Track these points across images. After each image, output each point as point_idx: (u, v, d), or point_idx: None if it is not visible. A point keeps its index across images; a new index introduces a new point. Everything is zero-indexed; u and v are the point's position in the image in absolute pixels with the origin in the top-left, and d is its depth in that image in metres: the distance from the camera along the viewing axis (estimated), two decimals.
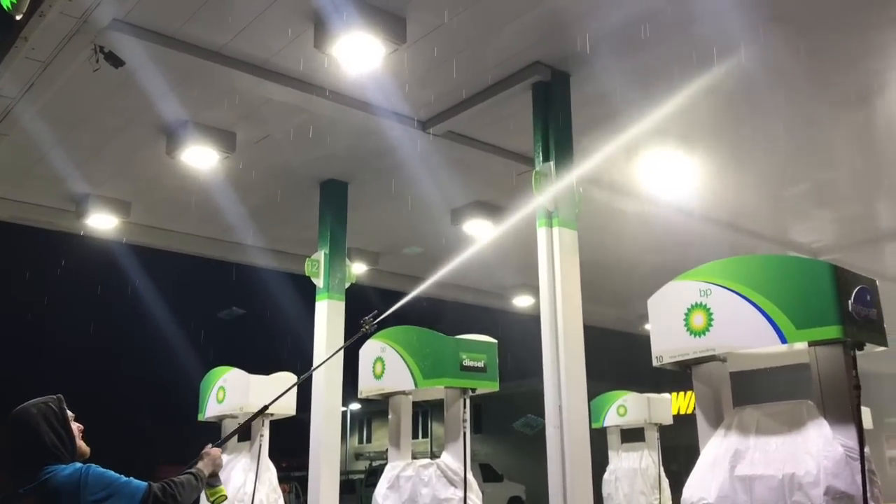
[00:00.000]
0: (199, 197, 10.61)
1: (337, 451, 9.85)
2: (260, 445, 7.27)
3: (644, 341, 4.46)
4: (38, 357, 35.92)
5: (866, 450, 3.58)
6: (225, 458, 3.66)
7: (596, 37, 7.09)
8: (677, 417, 11.33)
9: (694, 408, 4.27)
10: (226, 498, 3.66)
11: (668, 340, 4.18)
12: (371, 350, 6.23)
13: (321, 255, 10.11)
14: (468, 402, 5.88)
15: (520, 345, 10.40)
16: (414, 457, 6.34)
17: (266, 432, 7.37)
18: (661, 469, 10.69)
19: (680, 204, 11.01)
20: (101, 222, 11.03)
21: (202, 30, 7.07)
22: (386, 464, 6.33)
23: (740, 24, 6.67)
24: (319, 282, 10.05)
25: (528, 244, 7.42)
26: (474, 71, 7.76)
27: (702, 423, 4.18)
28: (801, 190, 10.97)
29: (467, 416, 5.81)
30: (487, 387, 5.95)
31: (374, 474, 28.24)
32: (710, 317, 4.00)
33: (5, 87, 7.42)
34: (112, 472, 3.11)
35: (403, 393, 6.21)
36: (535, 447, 10.98)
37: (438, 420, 35.94)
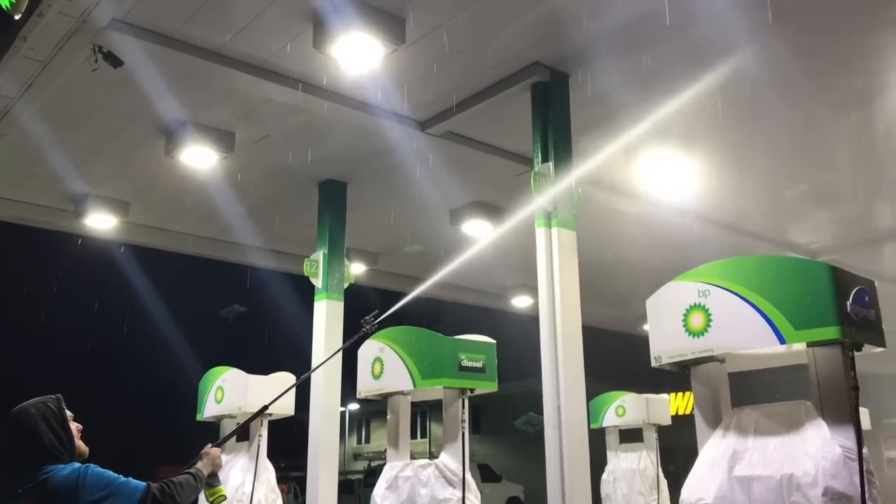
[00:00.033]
0: (198, 197, 10.61)
1: (335, 451, 9.84)
2: (258, 445, 7.27)
3: (643, 342, 4.46)
4: (36, 357, 35.94)
5: (864, 450, 3.58)
6: (223, 458, 3.65)
7: (595, 37, 7.09)
8: (676, 418, 11.33)
9: (692, 408, 4.27)
10: (225, 498, 3.66)
11: (666, 341, 4.18)
12: (370, 350, 6.22)
13: (320, 256, 10.11)
14: (467, 402, 5.87)
15: (519, 345, 10.40)
16: (412, 457, 6.33)
17: (264, 432, 7.36)
18: (660, 469, 10.69)
19: (679, 204, 11.02)
20: (100, 222, 11.03)
21: (201, 30, 7.07)
22: (384, 464, 6.33)
23: (740, 24, 6.67)
24: (318, 282, 10.05)
25: (527, 245, 7.43)
26: (473, 71, 7.76)
27: (700, 424, 4.18)
28: (800, 191, 10.98)
29: (466, 417, 5.81)
30: (486, 387, 5.95)
31: (372, 474, 28.25)
32: (708, 317, 4.00)
33: (4, 86, 7.41)
34: (111, 472, 3.11)
35: (402, 393, 6.21)
36: (533, 447, 10.98)
37: (437, 420, 35.91)
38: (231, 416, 7.60)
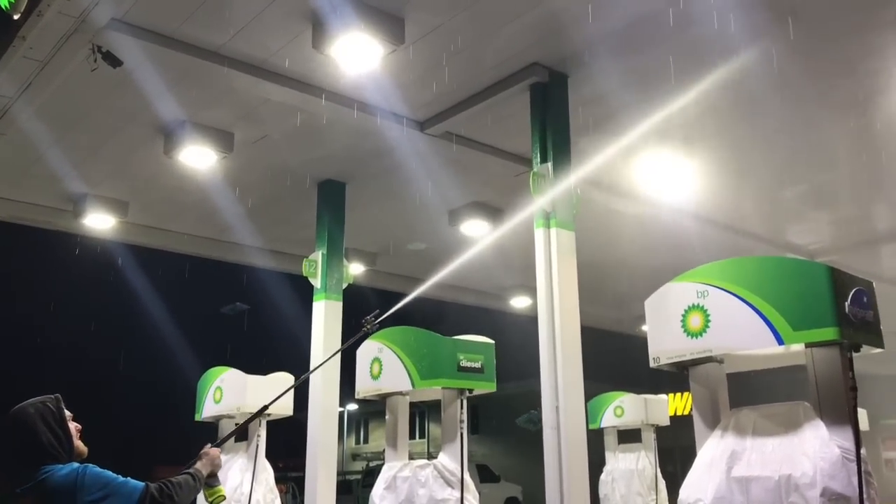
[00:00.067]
0: (197, 197, 10.60)
1: (334, 451, 9.84)
2: (257, 445, 7.27)
3: (641, 342, 4.47)
4: (35, 356, 35.91)
5: (863, 451, 3.59)
6: (222, 458, 3.65)
7: (594, 38, 7.09)
8: (674, 418, 11.33)
9: (691, 409, 4.27)
10: (224, 498, 3.66)
11: (665, 341, 4.19)
12: (368, 350, 6.22)
13: (319, 256, 10.10)
14: (465, 402, 5.88)
15: (517, 346, 10.40)
16: (411, 457, 6.33)
17: (263, 432, 7.36)
18: (658, 470, 10.70)
19: (678, 205, 11.01)
20: (99, 222, 11.01)
21: (200, 30, 7.06)
22: (383, 464, 6.33)
23: (739, 25, 6.67)
24: (317, 282, 10.04)
25: (526, 245, 7.43)
26: (472, 72, 7.76)
27: (699, 425, 4.19)
28: (799, 191, 10.98)
29: (464, 417, 5.81)
30: (485, 387, 5.95)
31: (370, 475, 28.22)
32: (707, 318, 4.01)
33: (3, 86, 7.41)
34: (109, 472, 3.11)
35: (401, 393, 6.21)
36: (532, 448, 10.97)
37: (435, 421, 35.90)
38: (230, 417, 7.60)
